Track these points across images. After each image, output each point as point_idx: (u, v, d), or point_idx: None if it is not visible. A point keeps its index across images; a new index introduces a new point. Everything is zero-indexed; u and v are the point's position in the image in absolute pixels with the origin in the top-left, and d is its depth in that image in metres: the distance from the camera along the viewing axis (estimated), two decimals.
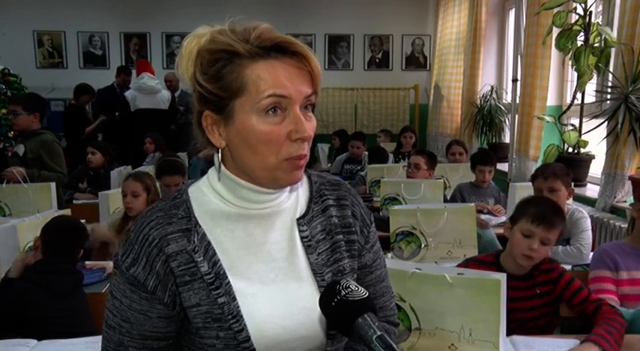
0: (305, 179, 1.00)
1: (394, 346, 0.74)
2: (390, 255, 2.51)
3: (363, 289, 0.80)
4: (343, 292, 0.79)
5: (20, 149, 3.37)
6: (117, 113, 5.96)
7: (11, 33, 6.56)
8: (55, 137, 3.52)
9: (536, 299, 1.76)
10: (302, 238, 0.94)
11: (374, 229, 1.03)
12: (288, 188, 0.94)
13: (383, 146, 5.37)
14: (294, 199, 0.96)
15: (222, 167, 0.91)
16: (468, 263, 1.83)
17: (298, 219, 0.94)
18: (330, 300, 0.80)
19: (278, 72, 0.83)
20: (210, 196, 0.92)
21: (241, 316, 0.87)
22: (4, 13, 6.73)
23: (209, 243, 0.89)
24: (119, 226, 2.53)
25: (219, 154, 0.90)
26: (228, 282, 0.88)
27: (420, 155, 3.59)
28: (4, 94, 5.06)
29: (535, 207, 1.77)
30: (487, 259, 1.84)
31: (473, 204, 2.58)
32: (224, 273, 0.88)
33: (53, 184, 2.98)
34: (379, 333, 0.75)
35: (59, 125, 5.86)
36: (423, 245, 2.49)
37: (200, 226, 0.89)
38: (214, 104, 0.86)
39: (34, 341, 1.56)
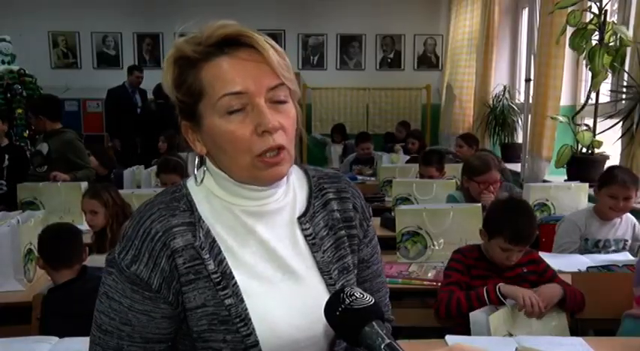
0: (302, 174, 0.97)
1: None
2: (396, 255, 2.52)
3: (368, 296, 0.77)
4: (348, 301, 0.75)
5: (44, 148, 3.49)
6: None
7: (27, 34, 6.63)
8: (77, 136, 3.70)
9: (525, 277, 1.90)
10: (305, 236, 0.91)
11: (372, 223, 1.01)
12: (284, 184, 0.91)
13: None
14: (292, 196, 0.92)
15: (213, 167, 0.88)
16: (455, 254, 1.99)
17: (299, 217, 0.91)
18: (335, 309, 0.76)
19: (229, 69, 0.81)
20: (207, 193, 0.89)
21: (249, 320, 0.84)
22: (20, 14, 6.80)
23: (214, 240, 0.85)
24: (94, 243, 2.51)
25: (207, 159, 0.89)
26: (235, 282, 0.84)
27: (429, 166, 3.56)
28: (20, 95, 5.12)
29: (511, 226, 1.81)
30: (472, 247, 2.01)
31: (479, 204, 2.56)
32: (230, 272, 0.85)
33: (84, 184, 3.09)
34: (387, 341, 0.72)
35: (73, 125, 5.90)
36: (428, 245, 2.48)
37: (204, 221, 0.86)
38: (185, 112, 0.86)
39: (56, 338, 1.56)
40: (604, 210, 2.49)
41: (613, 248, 2.53)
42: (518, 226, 1.83)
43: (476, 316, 1.73)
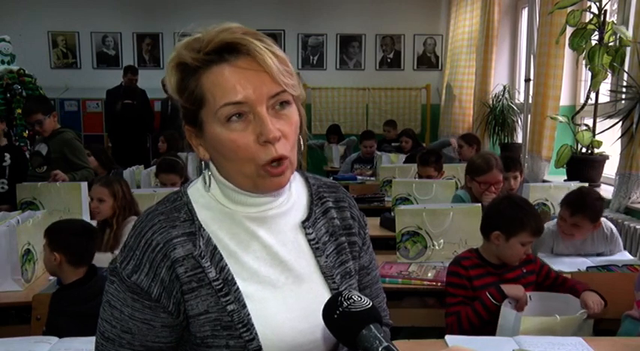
0: (302, 181, 0.98)
1: None
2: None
3: (366, 299, 0.77)
4: (345, 304, 0.76)
5: (43, 148, 3.47)
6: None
7: (27, 34, 6.64)
8: (76, 135, 3.66)
9: (525, 277, 1.94)
10: (309, 240, 0.92)
11: (368, 231, 1.02)
12: (286, 189, 0.91)
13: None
14: (294, 201, 0.93)
15: (216, 173, 0.89)
16: (454, 267, 1.96)
17: (303, 222, 0.92)
18: (333, 312, 0.77)
19: (229, 77, 0.80)
20: (209, 198, 0.89)
21: (252, 325, 0.84)
22: (20, 14, 6.81)
23: (215, 247, 0.86)
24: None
25: (210, 164, 0.89)
26: (237, 288, 0.85)
27: (427, 166, 3.57)
28: (20, 94, 5.12)
29: (534, 219, 1.92)
30: (470, 254, 2.00)
31: (479, 204, 2.56)
32: (232, 279, 0.85)
33: (84, 184, 3.09)
34: (385, 344, 0.72)
35: (72, 125, 5.91)
36: (428, 245, 2.49)
37: (204, 230, 0.86)
38: (188, 117, 0.86)
39: (56, 338, 1.56)
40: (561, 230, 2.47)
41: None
42: (538, 219, 1.94)
43: (506, 311, 1.73)
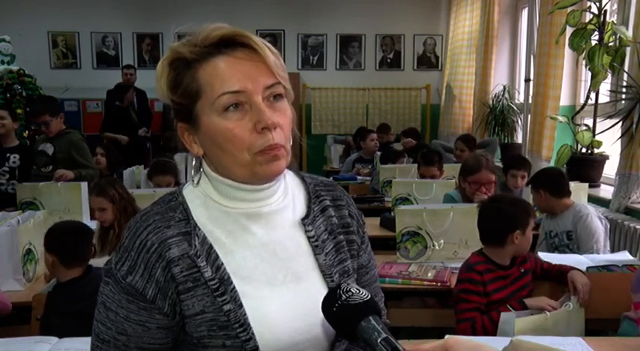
0: (298, 180, 0.98)
1: (400, 347, 0.72)
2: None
3: (364, 292, 0.78)
4: (344, 297, 0.77)
5: (49, 148, 3.49)
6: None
7: (27, 34, 6.64)
8: (82, 137, 3.72)
9: (524, 277, 2.01)
10: (309, 238, 0.91)
11: (367, 230, 1.02)
12: (282, 186, 0.91)
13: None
14: (291, 199, 0.93)
15: (210, 171, 0.89)
16: (468, 274, 1.97)
17: (303, 219, 0.92)
18: (332, 305, 0.77)
19: (227, 68, 0.82)
20: (205, 198, 0.89)
21: (248, 325, 0.84)
22: (20, 14, 6.80)
23: (211, 246, 0.86)
24: (99, 240, 2.52)
25: (203, 161, 0.90)
26: (234, 287, 0.85)
27: (431, 166, 3.58)
28: (20, 95, 5.13)
29: (529, 205, 2.12)
30: (479, 258, 2.00)
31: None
32: (229, 278, 0.85)
33: (84, 184, 3.09)
34: (384, 335, 0.73)
35: (72, 125, 5.90)
36: (429, 245, 2.49)
37: (200, 229, 0.86)
38: (182, 114, 0.87)
39: (55, 339, 1.56)
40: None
41: (560, 238, 2.64)
42: (528, 202, 2.16)
43: (505, 315, 1.76)
